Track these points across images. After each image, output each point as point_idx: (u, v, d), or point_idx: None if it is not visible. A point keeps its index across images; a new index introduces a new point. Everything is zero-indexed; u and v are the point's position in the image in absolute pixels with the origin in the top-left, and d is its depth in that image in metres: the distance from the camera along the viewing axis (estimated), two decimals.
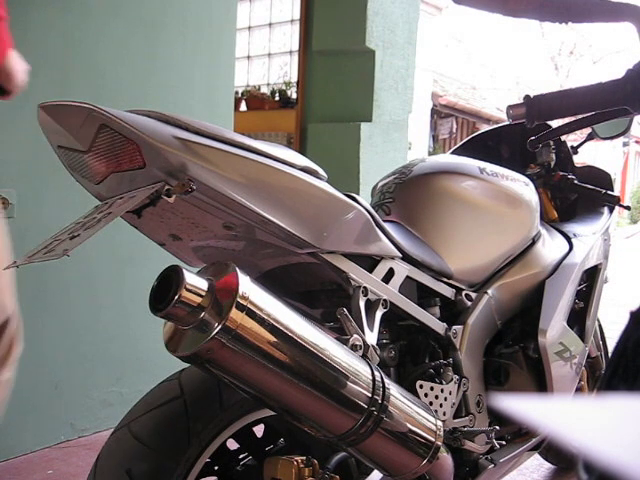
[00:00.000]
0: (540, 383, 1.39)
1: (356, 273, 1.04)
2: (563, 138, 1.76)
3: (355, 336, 0.97)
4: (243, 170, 0.86)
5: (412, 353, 1.22)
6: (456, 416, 1.23)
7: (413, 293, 1.21)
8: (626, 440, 0.23)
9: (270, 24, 5.03)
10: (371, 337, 1.01)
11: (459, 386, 1.22)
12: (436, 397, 1.16)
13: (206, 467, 1.02)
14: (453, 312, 1.30)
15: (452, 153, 1.83)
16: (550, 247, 1.53)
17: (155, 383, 1.04)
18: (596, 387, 1.86)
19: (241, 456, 1.12)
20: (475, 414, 1.27)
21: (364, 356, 0.96)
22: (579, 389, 1.65)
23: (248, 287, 0.78)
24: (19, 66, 1.28)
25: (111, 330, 2.35)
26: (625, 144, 17.10)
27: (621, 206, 1.76)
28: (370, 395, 0.88)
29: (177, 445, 0.95)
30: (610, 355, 0.54)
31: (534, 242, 1.49)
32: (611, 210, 1.81)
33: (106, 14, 2.26)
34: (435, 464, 0.98)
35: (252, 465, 1.10)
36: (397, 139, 3.54)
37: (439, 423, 0.99)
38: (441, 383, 1.18)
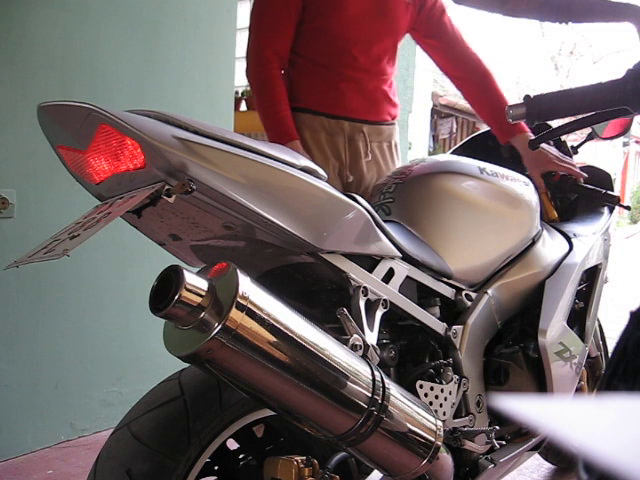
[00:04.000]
0: (540, 383, 1.38)
1: (356, 273, 1.04)
2: (563, 138, 1.76)
3: (355, 336, 0.97)
4: (243, 170, 0.86)
5: (412, 353, 1.22)
6: (456, 416, 1.23)
7: (413, 293, 1.21)
8: (626, 440, 0.23)
9: None
10: (371, 337, 1.01)
11: (459, 386, 1.22)
12: (436, 397, 1.16)
13: (206, 467, 1.02)
14: (453, 312, 1.30)
15: (452, 153, 1.83)
16: (550, 247, 1.53)
17: (155, 383, 1.04)
18: (596, 387, 1.86)
19: (241, 456, 1.12)
20: (475, 414, 1.26)
21: (364, 356, 0.96)
22: (579, 389, 1.64)
23: (248, 287, 0.78)
24: None
25: (111, 330, 2.35)
26: (625, 144, 17.07)
27: (621, 206, 1.76)
28: (370, 395, 0.88)
29: (177, 445, 0.95)
30: (610, 355, 0.54)
31: (534, 242, 1.49)
32: (611, 210, 1.81)
33: (106, 14, 2.26)
34: (435, 464, 0.98)
35: (252, 465, 1.10)
36: None
37: (439, 423, 0.99)
38: (441, 383, 1.18)
